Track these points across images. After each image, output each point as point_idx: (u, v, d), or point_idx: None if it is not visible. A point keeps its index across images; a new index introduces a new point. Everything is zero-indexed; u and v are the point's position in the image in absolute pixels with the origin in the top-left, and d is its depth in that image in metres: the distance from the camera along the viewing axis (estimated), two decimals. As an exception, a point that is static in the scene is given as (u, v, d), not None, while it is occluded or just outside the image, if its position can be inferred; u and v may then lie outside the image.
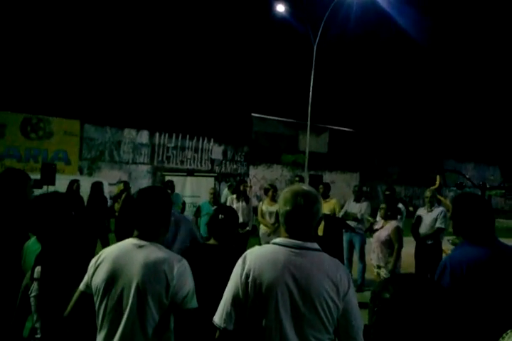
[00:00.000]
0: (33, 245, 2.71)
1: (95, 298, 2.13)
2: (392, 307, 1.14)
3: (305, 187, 2.06)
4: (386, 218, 6.15)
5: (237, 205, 7.54)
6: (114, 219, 8.34)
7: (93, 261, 2.20)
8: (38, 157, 17.49)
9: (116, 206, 8.48)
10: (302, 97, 21.12)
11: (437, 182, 9.66)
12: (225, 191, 11.44)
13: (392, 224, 6.05)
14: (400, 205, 7.31)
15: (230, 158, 23.33)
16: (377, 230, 6.29)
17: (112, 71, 19.79)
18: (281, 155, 24.98)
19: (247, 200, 7.85)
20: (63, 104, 17.76)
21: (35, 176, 9.28)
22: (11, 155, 17.02)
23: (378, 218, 6.65)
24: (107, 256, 2.17)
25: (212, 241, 3.05)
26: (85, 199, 8.65)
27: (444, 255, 7.44)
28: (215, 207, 7.41)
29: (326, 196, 7.56)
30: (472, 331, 1.99)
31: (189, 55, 22.75)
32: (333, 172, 26.07)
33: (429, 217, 6.91)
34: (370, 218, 7.51)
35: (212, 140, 22.63)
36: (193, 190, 9.47)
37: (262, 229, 7.61)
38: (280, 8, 20.10)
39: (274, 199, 7.67)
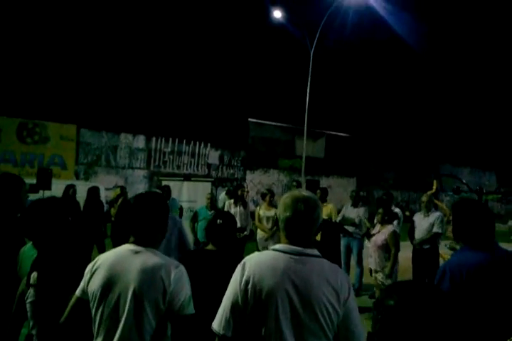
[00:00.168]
0: (29, 251, 2.69)
1: (91, 304, 2.11)
2: (397, 315, 1.13)
3: (305, 192, 2.04)
4: (383, 222, 6.18)
5: (235, 210, 7.53)
6: (110, 224, 8.31)
7: (89, 267, 2.17)
8: (33, 162, 17.44)
9: (113, 211, 8.44)
10: (299, 102, 21.17)
11: (434, 187, 9.68)
12: (221, 196, 11.41)
13: (388, 229, 6.08)
14: (397, 210, 7.32)
15: (226, 162, 23.33)
16: (374, 235, 6.30)
17: (108, 76, 19.79)
18: (278, 160, 25.00)
19: (245, 205, 7.84)
20: (59, 108, 17.73)
21: (31, 181, 9.26)
22: (6, 160, 16.96)
23: (376, 222, 6.65)
24: (103, 262, 2.15)
25: (210, 247, 3.03)
26: (81, 204, 8.61)
27: (441, 259, 7.45)
28: (212, 212, 7.41)
29: (323, 201, 7.56)
30: (473, 336, 1.98)
31: (186, 60, 22.79)
32: (330, 177, 26.11)
33: (425, 221, 6.92)
34: (367, 223, 7.51)
35: (208, 145, 22.64)
36: (190, 195, 9.44)
37: (259, 234, 7.60)
38: (277, 14, 20.17)
39: (271, 204, 7.66)
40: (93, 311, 2.10)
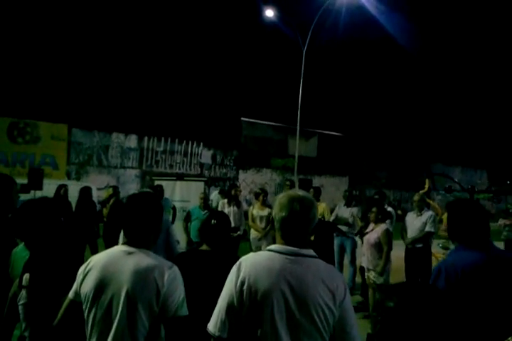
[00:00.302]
0: (21, 252, 2.66)
1: (84, 306, 2.09)
2: (397, 316, 1.12)
3: (300, 192, 2.03)
4: (377, 221, 6.21)
5: (229, 210, 7.51)
6: (102, 225, 8.26)
7: (82, 268, 2.15)
8: (25, 161, 17.33)
9: (105, 211, 8.40)
10: (291, 102, 21.18)
11: (426, 186, 9.74)
12: (213, 195, 11.38)
13: (381, 227, 6.12)
14: (390, 209, 7.34)
15: (219, 162, 23.31)
16: (367, 233, 6.34)
17: (100, 75, 19.69)
18: (271, 160, 25.02)
19: (239, 205, 7.82)
20: (50, 108, 17.62)
21: (23, 181, 9.20)
22: (-3, 160, 16.85)
23: (371, 220, 6.67)
24: (95, 263, 2.13)
25: (204, 247, 3.01)
26: (73, 204, 8.56)
27: (433, 259, 7.49)
28: (205, 211, 7.38)
29: (316, 200, 7.55)
30: (471, 337, 1.98)
31: (178, 59, 22.73)
32: (323, 176, 26.18)
33: (418, 221, 6.94)
34: (360, 222, 7.52)
35: (201, 144, 22.61)
36: (183, 195, 9.39)
37: (253, 233, 7.59)
38: (269, 13, 20.17)
39: (264, 204, 7.65)
40: (86, 313, 2.08)
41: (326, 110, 26.19)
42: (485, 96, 32.97)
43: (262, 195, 7.63)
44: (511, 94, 31.97)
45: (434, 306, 1.13)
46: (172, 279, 2.04)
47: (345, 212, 7.61)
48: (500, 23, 31.08)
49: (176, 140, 21.80)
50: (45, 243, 2.45)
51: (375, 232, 6.16)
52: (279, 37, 22.90)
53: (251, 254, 2.06)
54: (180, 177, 11.34)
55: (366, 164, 28.25)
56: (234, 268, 1.96)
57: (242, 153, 24.08)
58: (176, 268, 2.10)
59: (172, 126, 20.95)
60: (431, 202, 9.76)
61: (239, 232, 7.56)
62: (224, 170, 23.47)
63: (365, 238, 6.31)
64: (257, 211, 7.58)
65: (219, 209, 7.71)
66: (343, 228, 7.48)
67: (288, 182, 8.35)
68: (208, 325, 1.91)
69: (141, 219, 2.18)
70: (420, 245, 6.84)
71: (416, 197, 7.22)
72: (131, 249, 2.12)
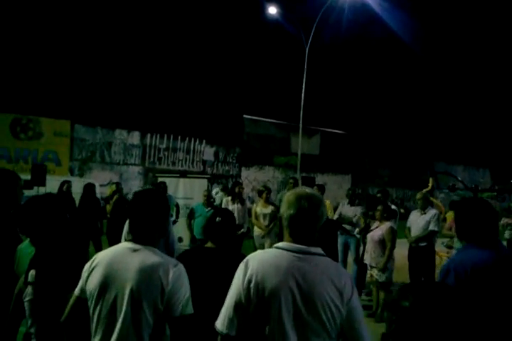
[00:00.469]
0: (26, 248, 2.66)
1: (89, 303, 2.08)
2: (412, 316, 1.11)
3: (308, 190, 2.02)
4: (382, 219, 6.23)
5: (232, 207, 7.48)
6: (106, 221, 8.27)
7: (87, 265, 2.15)
8: (27, 158, 17.34)
9: (108, 208, 8.40)
10: (294, 99, 21.14)
11: (430, 185, 9.74)
12: (213, 192, 11.36)
13: (386, 225, 6.16)
14: (394, 207, 7.33)
15: (221, 159, 23.30)
16: (371, 231, 6.36)
17: (103, 71, 19.67)
18: (274, 157, 25.00)
19: (242, 202, 7.81)
20: (53, 104, 17.61)
21: (25, 177, 9.17)
22: (0, 156, 16.84)
23: (376, 218, 6.68)
24: (100, 260, 2.12)
25: (209, 244, 3.00)
26: (76, 200, 8.56)
27: (437, 257, 7.47)
28: (208, 208, 7.37)
29: (320, 198, 7.52)
30: (485, 336, 1.97)
31: (181, 56, 22.69)
32: (325, 174, 26.13)
33: (422, 219, 6.93)
34: (363, 220, 7.51)
35: (204, 141, 22.59)
36: (186, 192, 9.38)
37: (256, 231, 7.58)
38: (272, 10, 20.11)
39: (268, 201, 7.64)
40: (91, 310, 2.07)
41: (329, 108, 26.14)
42: (488, 95, 32.87)
43: (265, 193, 7.62)
44: (515, 93, 31.87)
45: (451, 305, 1.12)
46: (177, 277, 2.03)
47: (349, 211, 7.59)
48: (504, 20, 30.97)
49: (179, 137, 21.80)
50: (51, 239, 2.44)
51: (379, 230, 6.20)
52: (281, 34, 22.86)
53: (258, 252, 2.06)
54: (183, 174, 11.33)
55: (369, 162, 28.20)
56: (241, 266, 1.95)
57: (245, 151, 24.06)
58: (181, 266, 2.09)
59: (175, 123, 20.94)
60: (434, 200, 9.75)
61: (242, 230, 7.55)
62: (226, 168, 23.46)
63: (369, 235, 6.34)
64: (260, 208, 7.57)
65: (223, 206, 7.70)
66: (347, 227, 7.46)
67: (292, 180, 8.33)
68: (216, 322, 1.91)
69: (147, 216, 2.17)
70: (424, 244, 6.82)
71: (419, 196, 7.21)
72: (137, 246, 2.11)
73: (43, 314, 2.30)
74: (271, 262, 1.90)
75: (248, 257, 1.99)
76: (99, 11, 20.16)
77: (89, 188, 8.38)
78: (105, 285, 2.04)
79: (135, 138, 20.60)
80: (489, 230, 2.37)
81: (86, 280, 2.10)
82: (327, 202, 7.74)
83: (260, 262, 1.92)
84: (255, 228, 7.63)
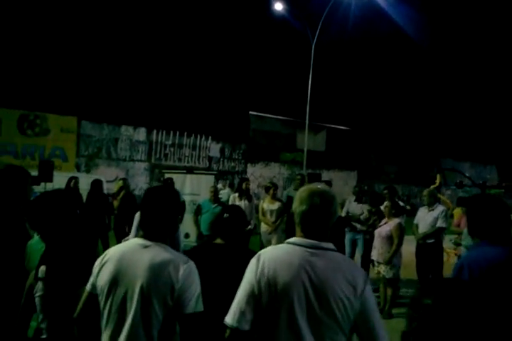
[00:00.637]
0: (36, 244, 2.67)
1: (100, 298, 2.09)
2: (435, 314, 1.10)
3: (321, 186, 2.01)
4: (390, 215, 6.23)
5: (240, 204, 7.47)
6: (113, 217, 8.29)
7: (98, 260, 2.15)
8: (34, 154, 17.40)
9: (115, 203, 8.42)
10: (300, 95, 21.09)
11: (437, 181, 9.70)
12: (219, 187, 11.34)
13: (394, 221, 6.17)
14: (401, 204, 7.31)
15: (227, 155, 23.30)
16: (379, 227, 6.37)
17: (109, 68, 19.69)
18: (280, 154, 24.97)
19: (250, 198, 7.80)
20: (60, 100, 17.65)
21: (33, 173, 9.19)
22: (7, 152, 16.92)
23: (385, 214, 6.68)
24: (111, 256, 2.12)
25: (219, 241, 3.00)
26: (83, 196, 8.59)
27: (444, 254, 7.44)
28: (215, 204, 7.37)
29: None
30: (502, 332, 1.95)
31: (187, 52, 22.66)
32: (331, 170, 26.07)
33: (430, 216, 6.89)
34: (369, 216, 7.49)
35: (209, 137, 22.59)
36: (193, 188, 9.39)
37: (263, 227, 7.58)
38: (278, 6, 20.06)
39: (274, 198, 7.63)
40: (101, 305, 2.08)
41: (335, 104, 26.05)
42: (496, 91, 32.65)
43: (272, 189, 7.61)
44: (523, 89, 31.65)
45: (473, 303, 1.11)
46: (187, 274, 2.02)
47: (357, 209, 7.57)
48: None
49: (185, 133, 21.80)
50: (61, 235, 2.44)
51: (387, 225, 6.20)
52: (288, 30, 22.77)
53: (270, 247, 2.06)
54: (190, 170, 11.34)
55: (375, 158, 28.11)
56: (253, 261, 1.95)
57: (251, 147, 24.05)
58: (191, 263, 2.08)
59: (181, 120, 20.94)
60: (441, 197, 9.71)
61: (250, 226, 7.55)
62: (232, 164, 23.46)
63: (377, 231, 6.34)
64: (267, 205, 7.56)
65: (230, 203, 7.69)
66: (355, 224, 7.46)
67: (299, 177, 8.32)
68: (226, 317, 1.89)
69: (159, 213, 2.17)
70: (432, 240, 6.79)
71: (426, 192, 7.18)
72: (148, 243, 2.11)
73: (54, 309, 2.31)
74: (283, 257, 1.89)
75: (260, 252, 1.99)
76: (105, 7, 20.15)
77: (96, 184, 8.40)
78: (115, 281, 2.04)
79: (141, 134, 20.63)
80: (502, 227, 2.35)
81: (97, 276, 2.10)
82: (334, 199, 7.73)
83: (272, 257, 1.91)
84: (262, 224, 7.62)
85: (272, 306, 1.84)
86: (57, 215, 2.47)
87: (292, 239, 1.97)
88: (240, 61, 24.24)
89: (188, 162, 21.81)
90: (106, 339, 2.05)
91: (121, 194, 8.34)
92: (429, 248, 6.78)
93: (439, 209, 6.89)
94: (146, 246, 2.10)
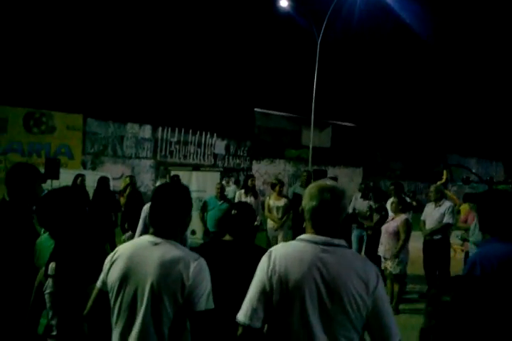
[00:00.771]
0: (45, 241, 2.67)
1: (110, 295, 2.09)
2: (454, 311, 1.09)
3: (330, 182, 2.00)
4: (397, 211, 6.23)
5: (246, 200, 7.47)
6: (120, 214, 8.31)
7: (108, 257, 2.15)
8: (40, 151, 17.45)
9: (122, 200, 8.44)
10: (305, 92, 21.04)
11: (444, 177, 9.66)
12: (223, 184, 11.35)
13: (401, 217, 6.17)
14: (408, 200, 7.30)
15: (232, 152, 23.29)
16: (386, 223, 6.37)
17: (114, 65, 19.71)
18: (285, 150, 24.93)
19: (256, 195, 7.81)
20: (66, 98, 17.69)
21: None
22: (14, 150, 16.98)
23: (390, 212, 6.67)
24: (122, 253, 2.12)
25: (227, 237, 3.00)
26: (90, 193, 8.61)
27: (451, 250, 7.42)
28: (221, 201, 7.38)
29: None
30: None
31: (192, 49, 22.64)
32: (336, 167, 26.01)
33: (436, 211, 6.88)
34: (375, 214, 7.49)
35: (215, 134, 22.59)
36: (199, 185, 9.41)
37: (269, 223, 7.58)
38: (283, 3, 20.02)
39: (281, 194, 7.63)
40: (112, 302, 2.08)
41: (341, 101, 25.97)
42: (502, 87, 32.44)
43: (278, 186, 7.60)
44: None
45: (493, 300, 1.10)
46: (198, 271, 2.01)
47: (363, 205, 7.56)
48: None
49: (190, 131, 21.81)
50: (71, 232, 2.45)
51: (394, 221, 6.20)
52: (293, 27, 22.70)
53: (281, 244, 2.05)
54: (196, 167, 11.36)
55: (380, 155, 28.03)
56: (264, 258, 1.94)
57: (256, 144, 24.02)
58: (202, 261, 2.07)
59: (186, 117, 20.95)
60: (448, 192, 9.67)
61: (256, 223, 7.55)
62: (237, 161, 23.46)
63: (384, 227, 6.34)
64: (273, 201, 7.56)
65: (236, 200, 7.70)
66: (362, 221, 7.45)
67: (305, 173, 8.30)
68: (238, 314, 1.88)
69: (170, 210, 2.16)
70: (439, 236, 6.77)
71: (433, 188, 7.15)
72: (158, 240, 2.11)
73: (64, 306, 2.32)
74: (294, 254, 1.89)
75: (271, 249, 1.98)
76: (111, 4, 20.16)
77: (103, 181, 8.42)
78: (126, 278, 2.04)
79: (147, 131, 20.66)
80: (512, 223, 2.34)
81: (107, 273, 2.10)
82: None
83: (283, 254, 1.90)
84: (268, 221, 7.63)
85: (284, 303, 1.83)
86: (66, 212, 2.48)
87: (303, 236, 1.96)
88: (245, 58, 24.20)
89: (193, 159, 21.82)
90: (116, 336, 2.05)
91: (128, 191, 8.35)
92: (436, 244, 6.77)
93: (446, 205, 6.87)
94: (156, 244, 2.09)
